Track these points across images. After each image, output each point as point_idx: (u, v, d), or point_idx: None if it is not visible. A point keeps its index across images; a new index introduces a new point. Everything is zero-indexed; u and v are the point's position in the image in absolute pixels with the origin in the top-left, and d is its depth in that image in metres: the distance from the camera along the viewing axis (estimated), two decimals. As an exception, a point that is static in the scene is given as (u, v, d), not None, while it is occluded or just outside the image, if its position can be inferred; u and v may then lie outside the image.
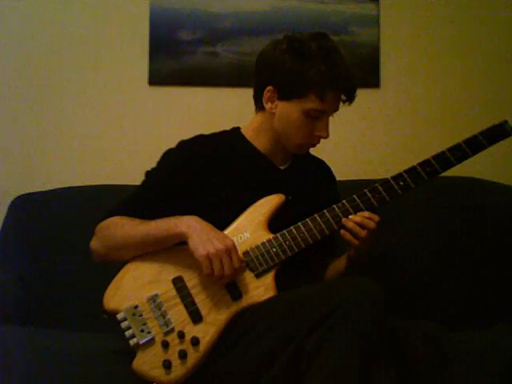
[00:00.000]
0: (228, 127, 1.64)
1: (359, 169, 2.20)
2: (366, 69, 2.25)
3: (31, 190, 2.05)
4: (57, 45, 2.20)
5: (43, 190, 2.06)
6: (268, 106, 1.50)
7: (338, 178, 1.75)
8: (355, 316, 1.19)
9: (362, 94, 2.27)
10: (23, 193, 2.04)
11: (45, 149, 2.20)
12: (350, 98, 1.49)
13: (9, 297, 1.81)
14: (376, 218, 1.41)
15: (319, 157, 1.73)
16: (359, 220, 1.40)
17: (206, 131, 1.60)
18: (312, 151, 1.71)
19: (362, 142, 2.27)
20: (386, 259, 1.90)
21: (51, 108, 2.20)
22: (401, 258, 1.96)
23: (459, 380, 1.44)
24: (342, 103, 1.49)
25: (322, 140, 1.52)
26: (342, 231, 1.41)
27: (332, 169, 1.74)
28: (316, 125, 1.47)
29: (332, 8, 2.23)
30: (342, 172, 1.76)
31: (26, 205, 2.01)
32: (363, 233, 1.39)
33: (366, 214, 1.41)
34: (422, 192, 1.89)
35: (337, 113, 1.51)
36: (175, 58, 2.20)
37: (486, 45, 2.30)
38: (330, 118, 1.50)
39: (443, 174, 1.56)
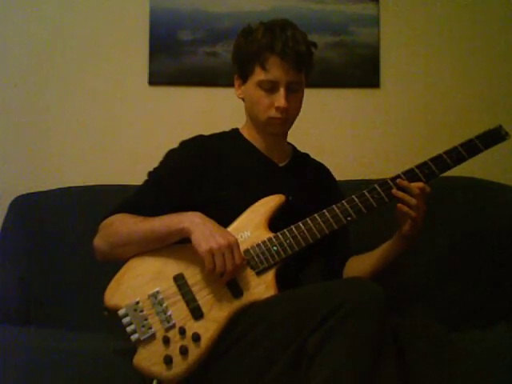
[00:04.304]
0: (228, 127, 1.66)
1: (359, 169, 2.20)
2: (366, 69, 2.26)
3: (31, 190, 2.05)
4: (57, 45, 2.20)
5: (43, 189, 2.06)
6: (238, 93, 1.58)
7: (337, 178, 1.75)
8: (356, 316, 1.19)
9: (362, 94, 2.30)
10: (23, 193, 2.04)
11: (45, 149, 2.19)
12: (294, 64, 1.47)
13: (9, 297, 1.81)
14: (427, 189, 1.44)
15: (319, 156, 1.73)
16: (406, 185, 1.42)
17: (206, 131, 1.61)
18: (312, 151, 1.72)
19: (361, 142, 2.27)
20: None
21: (51, 108, 2.20)
22: (401, 258, 1.95)
23: (459, 380, 1.44)
24: (293, 71, 1.48)
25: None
26: (399, 204, 1.42)
27: (332, 169, 1.74)
28: (273, 97, 1.49)
29: (332, 8, 2.24)
30: (342, 172, 1.76)
31: (26, 205, 2.01)
32: (413, 201, 1.41)
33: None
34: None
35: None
36: (175, 58, 2.21)
37: (486, 45, 2.30)
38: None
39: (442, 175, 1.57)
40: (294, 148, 1.68)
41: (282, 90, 1.48)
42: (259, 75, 1.49)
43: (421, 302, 1.91)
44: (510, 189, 2.06)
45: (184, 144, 1.57)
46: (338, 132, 2.25)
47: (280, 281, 1.40)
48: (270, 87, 1.49)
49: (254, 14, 2.19)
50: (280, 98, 1.48)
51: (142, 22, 2.20)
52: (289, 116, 1.52)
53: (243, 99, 1.58)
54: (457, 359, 1.45)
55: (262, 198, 1.48)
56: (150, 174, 1.57)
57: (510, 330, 1.69)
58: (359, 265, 1.58)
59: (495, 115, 2.28)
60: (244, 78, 1.54)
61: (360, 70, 2.25)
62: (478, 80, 2.30)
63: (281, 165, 1.60)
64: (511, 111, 2.29)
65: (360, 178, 2.06)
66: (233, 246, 1.35)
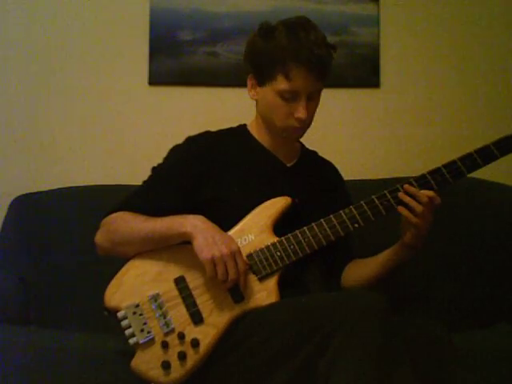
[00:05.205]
0: (228, 127, 1.64)
1: (359, 169, 2.19)
2: (366, 69, 2.25)
3: (31, 190, 2.05)
4: (57, 45, 2.20)
5: (43, 189, 2.06)
6: (251, 94, 1.52)
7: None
8: (361, 330, 1.16)
9: (362, 94, 2.30)
10: (23, 193, 2.04)
11: (45, 149, 2.19)
12: (318, 74, 1.43)
13: (9, 297, 1.81)
14: (437, 199, 1.38)
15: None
16: (414, 191, 1.37)
17: (207, 131, 1.61)
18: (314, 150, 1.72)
19: (361, 142, 2.27)
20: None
21: (51, 108, 2.20)
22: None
23: (459, 380, 1.44)
24: (316, 81, 1.44)
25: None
26: (400, 207, 1.38)
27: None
28: (293, 106, 1.45)
29: (332, 8, 2.24)
30: (342, 172, 1.75)
31: (26, 205, 2.01)
32: (420, 208, 1.36)
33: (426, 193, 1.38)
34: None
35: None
36: (175, 58, 2.20)
37: (486, 44, 2.30)
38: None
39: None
40: (302, 146, 1.65)
41: (303, 101, 1.44)
42: (281, 84, 1.43)
43: (421, 302, 1.91)
44: (510, 189, 2.06)
45: (189, 140, 1.54)
46: (338, 132, 2.25)
47: (281, 282, 1.39)
48: (291, 96, 1.44)
49: (254, 14, 2.19)
50: (301, 109, 1.43)
51: (142, 22, 2.20)
52: (306, 123, 1.49)
53: (256, 100, 1.53)
54: (457, 359, 1.45)
55: (267, 199, 1.45)
56: (153, 169, 1.55)
57: (510, 330, 1.69)
58: (359, 269, 1.55)
59: (496, 114, 2.28)
60: (261, 81, 1.48)
61: (360, 70, 2.25)
62: (478, 79, 2.30)
63: (288, 165, 1.57)
64: None
65: (360, 178, 2.06)
66: (235, 253, 1.33)
